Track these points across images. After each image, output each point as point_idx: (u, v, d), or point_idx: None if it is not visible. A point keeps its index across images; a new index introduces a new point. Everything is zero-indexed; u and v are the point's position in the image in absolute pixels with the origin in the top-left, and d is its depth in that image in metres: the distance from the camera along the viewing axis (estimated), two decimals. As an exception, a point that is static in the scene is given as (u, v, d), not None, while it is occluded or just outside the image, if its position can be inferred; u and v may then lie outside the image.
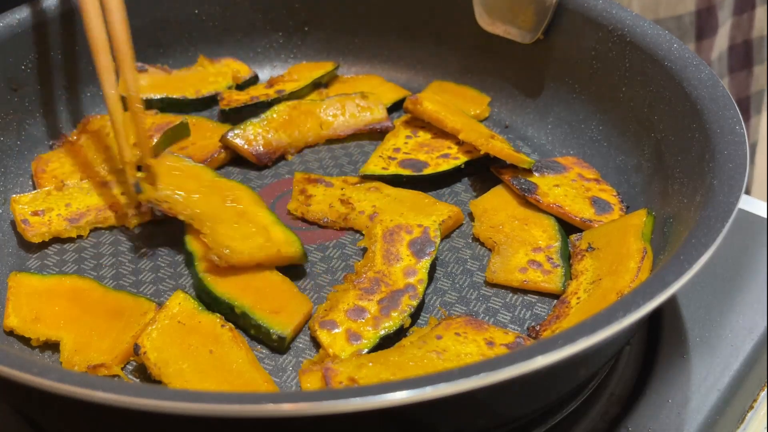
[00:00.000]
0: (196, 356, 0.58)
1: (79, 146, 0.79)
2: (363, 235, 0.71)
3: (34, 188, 0.76)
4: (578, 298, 0.62)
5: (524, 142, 0.83)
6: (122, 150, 0.70)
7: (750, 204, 0.77)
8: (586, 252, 0.66)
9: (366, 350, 0.58)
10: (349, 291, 0.63)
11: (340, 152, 0.82)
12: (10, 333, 0.62)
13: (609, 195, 0.72)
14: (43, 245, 0.71)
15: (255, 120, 0.80)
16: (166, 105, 0.85)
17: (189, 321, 0.60)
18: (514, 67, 0.85)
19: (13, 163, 0.78)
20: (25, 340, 0.62)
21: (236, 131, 0.79)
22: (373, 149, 0.81)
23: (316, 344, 0.61)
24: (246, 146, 0.79)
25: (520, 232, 0.69)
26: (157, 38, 0.90)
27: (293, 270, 0.66)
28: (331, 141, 0.83)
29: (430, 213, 0.70)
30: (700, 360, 0.63)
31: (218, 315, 0.61)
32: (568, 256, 0.67)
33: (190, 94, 0.87)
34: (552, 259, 0.66)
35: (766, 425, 0.62)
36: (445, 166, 0.77)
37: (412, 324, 0.62)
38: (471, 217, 0.73)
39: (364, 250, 0.68)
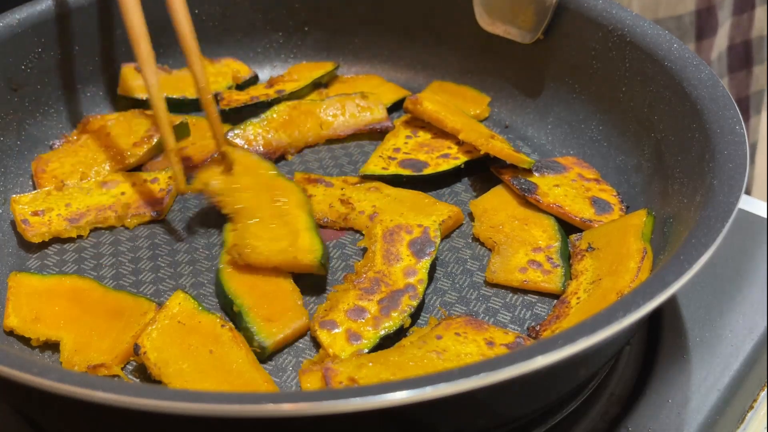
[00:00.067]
0: (196, 356, 0.58)
1: (79, 146, 0.79)
2: (363, 235, 0.71)
3: (34, 188, 0.76)
4: (578, 298, 0.62)
5: (524, 142, 0.83)
6: (166, 138, 0.70)
7: (750, 204, 0.77)
8: (586, 252, 0.66)
9: (366, 350, 0.58)
10: (349, 291, 0.63)
11: (340, 152, 0.82)
12: (10, 333, 0.62)
13: (609, 195, 0.72)
14: (43, 245, 0.71)
15: (255, 120, 0.81)
16: (166, 105, 0.85)
17: (189, 321, 0.60)
18: (514, 67, 0.85)
19: (13, 163, 0.78)
20: (25, 340, 0.62)
21: (236, 131, 0.79)
22: (373, 149, 0.81)
23: (316, 344, 0.61)
24: (246, 146, 0.79)
25: (520, 232, 0.69)
26: (157, 38, 0.89)
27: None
28: (331, 141, 0.83)
29: (430, 213, 0.70)
30: (700, 360, 0.63)
31: (218, 315, 0.61)
32: (568, 256, 0.67)
33: (190, 94, 0.87)
34: (552, 259, 0.66)
35: (766, 425, 0.62)
36: (445, 166, 0.77)
37: (412, 324, 0.62)
38: (471, 217, 0.73)
39: (364, 250, 0.68)
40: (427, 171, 0.76)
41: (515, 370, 0.42)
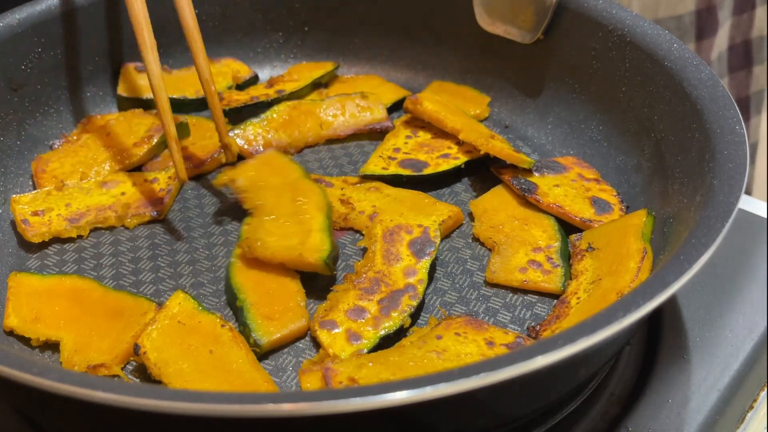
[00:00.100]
0: (196, 356, 0.58)
1: (79, 146, 0.79)
2: (363, 235, 0.71)
3: (34, 188, 0.76)
4: (578, 298, 0.62)
5: (524, 142, 0.83)
6: (167, 126, 0.70)
7: (750, 204, 0.77)
8: (586, 252, 0.66)
9: (366, 350, 0.58)
10: (349, 291, 0.63)
11: (340, 152, 0.82)
12: (10, 333, 0.62)
13: (609, 195, 0.72)
14: (43, 245, 0.71)
15: (255, 120, 0.81)
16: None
17: (189, 321, 0.60)
18: (514, 67, 0.85)
19: (13, 163, 0.78)
20: (25, 340, 0.62)
21: (236, 131, 0.79)
22: (373, 149, 0.81)
23: (316, 344, 0.61)
24: (246, 146, 0.79)
25: (520, 232, 0.69)
26: (157, 38, 0.89)
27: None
28: (331, 141, 0.83)
29: (430, 213, 0.70)
30: (700, 360, 0.63)
31: (218, 315, 0.61)
32: (568, 256, 0.67)
33: (190, 94, 0.87)
34: (552, 259, 0.66)
35: (766, 425, 0.62)
36: (445, 166, 0.77)
37: (412, 324, 0.62)
38: (471, 217, 0.73)
39: (364, 250, 0.68)
40: (427, 171, 0.76)
41: (515, 370, 0.42)
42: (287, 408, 0.41)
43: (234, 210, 0.75)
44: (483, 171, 0.77)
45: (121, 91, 0.85)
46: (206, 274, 0.68)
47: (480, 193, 0.75)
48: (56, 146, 0.80)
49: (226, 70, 0.90)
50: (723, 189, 0.55)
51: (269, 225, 0.67)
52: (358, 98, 0.84)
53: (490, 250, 0.70)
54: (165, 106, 0.70)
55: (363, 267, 0.65)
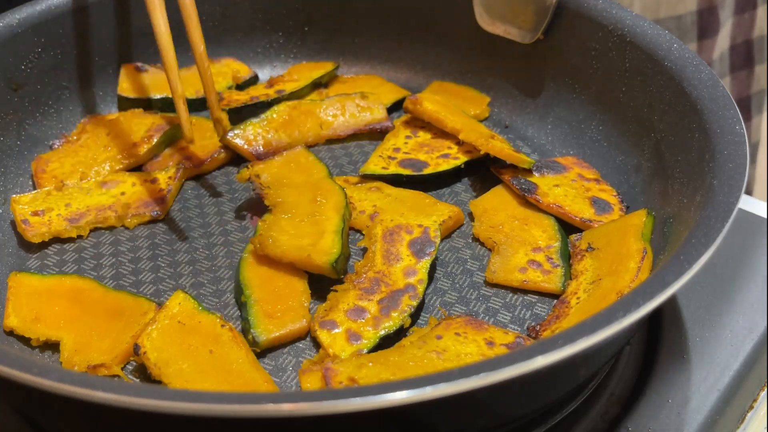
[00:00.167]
0: (196, 356, 0.58)
1: (79, 146, 0.79)
2: (363, 234, 0.71)
3: (34, 188, 0.76)
4: (578, 298, 0.62)
5: (524, 142, 0.83)
6: (174, 84, 0.71)
7: (750, 204, 0.77)
8: (586, 252, 0.66)
9: (366, 350, 0.58)
10: (349, 291, 0.63)
11: (340, 152, 0.82)
12: (10, 333, 0.62)
13: (609, 195, 0.72)
14: (43, 245, 0.71)
15: (255, 120, 0.80)
16: (166, 105, 0.85)
17: (189, 321, 0.60)
18: (514, 67, 0.85)
19: (13, 163, 0.78)
20: (25, 340, 0.62)
21: (236, 131, 0.79)
22: (373, 149, 0.81)
23: (316, 344, 0.61)
24: (246, 146, 0.79)
25: (520, 232, 0.69)
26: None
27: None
28: (331, 141, 0.83)
29: (431, 213, 0.70)
30: (700, 360, 0.63)
31: (218, 315, 0.61)
32: (568, 256, 0.67)
33: (190, 94, 0.87)
34: (552, 259, 0.66)
35: (766, 425, 0.62)
36: (445, 166, 0.77)
37: (412, 324, 0.62)
38: (471, 217, 0.73)
39: (364, 250, 0.68)
40: (427, 171, 0.76)
41: (515, 370, 0.42)
42: (287, 408, 0.41)
43: (235, 209, 0.75)
44: (483, 171, 0.77)
45: (121, 91, 0.85)
46: (206, 274, 0.68)
47: (480, 193, 0.75)
48: (56, 146, 0.80)
49: (226, 70, 0.90)
50: (723, 189, 0.55)
51: (285, 223, 0.67)
52: (358, 98, 0.84)
53: (490, 250, 0.70)
54: (172, 63, 0.71)
55: (363, 267, 0.65)
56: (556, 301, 0.64)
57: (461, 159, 0.77)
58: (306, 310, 0.62)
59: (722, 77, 1.14)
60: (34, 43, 0.79)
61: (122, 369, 0.60)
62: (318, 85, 0.89)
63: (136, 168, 0.78)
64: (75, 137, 0.80)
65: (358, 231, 0.71)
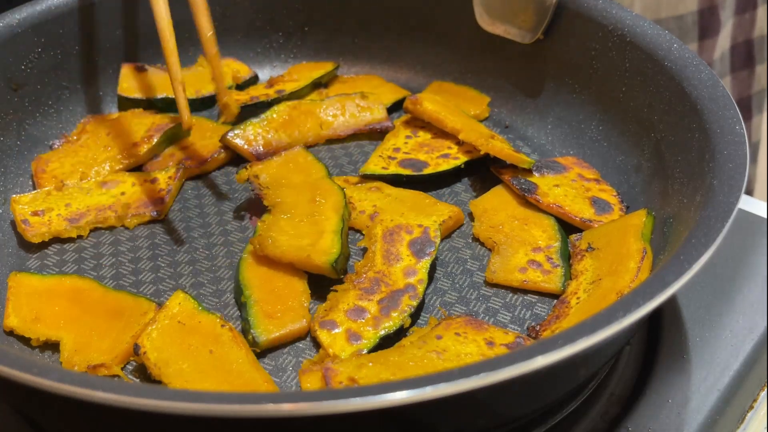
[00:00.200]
0: (196, 356, 0.58)
1: (79, 146, 0.79)
2: (363, 234, 0.71)
3: (34, 188, 0.76)
4: (578, 298, 0.62)
5: (524, 142, 0.83)
6: (173, 67, 0.71)
7: (750, 204, 0.77)
8: (586, 252, 0.66)
9: (366, 350, 0.58)
10: (349, 291, 0.63)
11: (340, 152, 0.82)
12: (10, 333, 0.62)
13: (609, 195, 0.72)
14: (43, 245, 0.71)
15: (255, 120, 0.80)
16: (166, 105, 0.85)
17: (189, 321, 0.60)
18: (514, 67, 0.85)
19: (13, 163, 0.78)
20: (25, 340, 0.62)
21: (236, 131, 0.79)
22: (373, 149, 0.81)
23: (316, 344, 0.61)
24: (246, 146, 0.79)
25: (520, 232, 0.69)
26: (157, 38, 0.89)
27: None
28: (331, 141, 0.83)
29: (431, 213, 0.70)
30: (700, 360, 0.63)
31: (218, 315, 0.61)
32: (568, 256, 0.67)
33: (190, 94, 0.87)
34: (552, 259, 0.66)
35: (766, 425, 0.62)
36: (445, 166, 0.77)
37: (412, 324, 0.62)
38: (471, 217, 0.73)
39: (364, 250, 0.68)
40: (427, 171, 0.76)
41: (515, 370, 0.42)
42: (287, 408, 0.41)
43: (234, 210, 0.75)
44: (483, 171, 0.77)
45: (121, 91, 0.85)
46: (206, 274, 0.68)
47: (480, 193, 0.75)
48: (56, 146, 0.80)
49: (226, 70, 0.90)
50: (723, 189, 0.55)
51: (284, 223, 0.67)
52: (358, 98, 0.84)
53: (490, 250, 0.70)
54: (171, 47, 0.71)
55: (363, 267, 0.65)
56: (556, 301, 0.64)
57: (461, 159, 0.77)
58: (306, 310, 0.62)
59: (723, 77, 1.14)
60: (34, 43, 0.79)
61: (122, 369, 0.60)
62: (318, 85, 0.89)
63: (136, 168, 0.78)
64: (75, 137, 0.80)
65: (358, 231, 0.71)
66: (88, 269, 0.69)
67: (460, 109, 0.82)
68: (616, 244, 0.64)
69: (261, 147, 0.80)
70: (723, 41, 1.10)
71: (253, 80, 0.91)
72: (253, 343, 0.60)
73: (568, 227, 0.70)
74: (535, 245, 0.68)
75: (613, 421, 0.59)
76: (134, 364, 0.60)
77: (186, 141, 0.81)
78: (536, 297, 0.65)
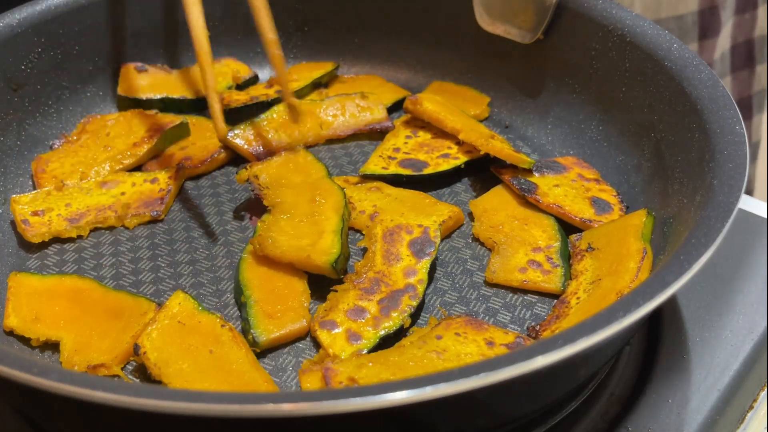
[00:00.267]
0: (196, 356, 0.58)
1: (79, 146, 0.79)
2: (363, 235, 0.71)
3: (34, 188, 0.76)
4: (578, 298, 0.62)
5: (524, 142, 0.83)
6: (206, 75, 0.72)
7: (750, 204, 0.77)
8: (585, 252, 0.66)
9: (366, 350, 0.58)
10: (349, 291, 0.63)
11: (340, 152, 0.82)
12: (10, 333, 0.62)
13: (609, 195, 0.72)
14: (43, 245, 0.71)
15: (255, 120, 0.80)
16: (166, 105, 0.85)
17: (189, 321, 0.60)
18: (514, 67, 0.85)
19: (13, 163, 0.78)
20: (25, 340, 0.62)
21: (236, 131, 0.79)
22: (373, 149, 0.81)
23: (316, 344, 0.61)
24: (246, 146, 0.79)
25: (520, 232, 0.69)
26: (157, 38, 0.90)
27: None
28: (331, 141, 0.83)
29: (431, 213, 0.70)
30: (700, 360, 0.63)
31: (218, 315, 0.61)
32: (567, 256, 0.67)
33: (190, 94, 0.87)
34: (552, 259, 0.66)
35: (766, 425, 0.62)
36: (445, 166, 0.77)
37: (412, 324, 0.62)
38: (471, 217, 0.73)
39: (364, 250, 0.68)
40: (427, 171, 0.76)
41: (515, 370, 0.42)
42: (287, 408, 0.41)
43: (234, 210, 0.75)
44: (483, 171, 0.77)
45: (121, 91, 0.85)
46: (206, 274, 0.68)
47: (480, 193, 0.75)
48: (56, 146, 0.80)
49: (226, 70, 0.90)
50: (723, 189, 0.55)
51: (284, 224, 0.67)
52: (358, 98, 0.84)
53: (490, 250, 0.70)
54: (206, 56, 0.72)
55: (363, 267, 0.65)
56: (556, 301, 0.64)
57: (461, 159, 0.77)
58: (306, 310, 0.62)
59: (723, 77, 1.14)
60: (34, 43, 0.79)
61: (122, 369, 0.60)
62: (318, 85, 0.89)
63: (136, 168, 0.78)
64: (75, 137, 0.80)
65: (358, 231, 0.71)
66: (88, 269, 0.69)
67: (460, 109, 0.82)
68: (616, 244, 0.64)
69: (261, 147, 0.80)
70: (723, 41, 1.10)
71: (253, 80, 0.91)
72: (253, 343, 0.60)
73: (568, 227, 0.70)
74: (535, 245, 0.68)
75: (613, 421, 0.59)
76: (134, 364, 0.60)
77: (186, 141, 0.81)
78: (536, 297, 0.65)
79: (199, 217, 0.74)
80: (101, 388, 0.42)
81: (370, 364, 0.54)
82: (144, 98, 0.85)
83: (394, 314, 0.61)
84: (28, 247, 0.71)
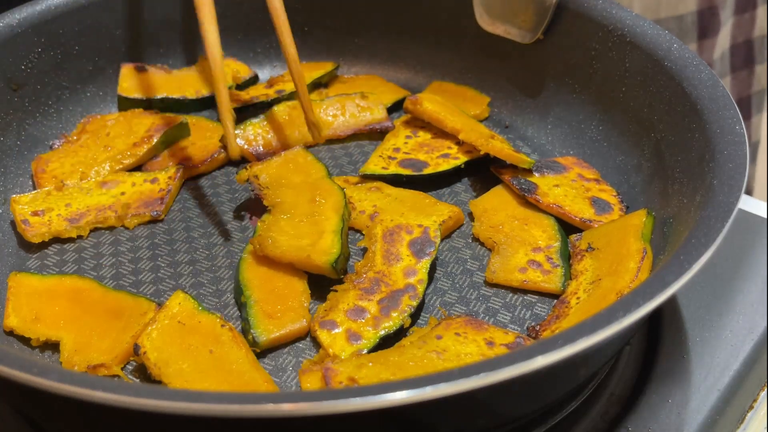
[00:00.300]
0: (196, 356, 0.58)
1: (79, 146, 0.79)
2: (363, 235, 0.71)
3: (34, 188, 0.76)
4: (578, 298, 0.62)
5: (524, 142, 0.83)
6: (220, 93, 0.72)
7: (750, 204, 0.77)
8: (585, 252, 0.66)
9: (366, 350, 0.58)
10: (349, 291, 0.63)
11: (340, 152, 0.82)
12: (10, 333, 0.62)
13: (609, 195, 0.72)
14: (43, 245, 0.71)
15: (255, 120, 0.81)
16: (166, 105, 0.85)
17: (189, 321, 0.60)
18: (514, 67, 0.85)
19: (13, 163, 0.78)
20: (25, 340, 0.62)
21: (236, 131, 0.79)
22: (373, 149, 0.81)
23: (316, 344, 0.61)
24: (246, 146, 0.79)
25: (520, 232, 0.69)
26: (157, 38, 0.90)
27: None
28: (331, 141, 0.83)
29: (431, 213, 0.70)
30: (700, 360, 0.63)
31: (218, 315, 0.61)
32: (567, 256, 0.67)
33: (190, 94, 0.87)
34: (552, 259, 0.66)
35: (766, 425, 0.62)
36: (445, 166, 0.77)
37: (412, 324, 0.62)
38: (471, 217, 0.73)
39: (364, 250, 0.68)
40: (427, 171, 0.76)
41: (515, 370, 0.42)
42: (287, 408, 0.41)
43: (234, 210, 0.75)
44: (483, 171, 0.77)
45: (121, 91, 0.85)
46: (206, 274, 0.68)
47: (480, 193, 0.75)
48: (56, 146, 0.80)
49: (226, 70, 0.90)
50: (723, 189, 0.55)
51: (284, 224, 0.67)
52: (358, 98, 0.84)
53: (490, 250, 0.70)
54: (221, 76, 0.72)
55: (363, 267, 0.65)
56: (556, 301, 0.64)
57: (461, 159, 0.77)
58: (306, 310, 0.62)
59: (723, 77, 1.14)
60: (34, 43, 0.79)
61: (122, 369, 0.60)
62: (318, 85, 0.89)
63: (136, 168, 0.78)
64: (75, 137, 0.80)
65: (358, 231, 0.71)
66: (88, 269, 0.69)
67: (460, 109, 0.82)
68: (616, 244, 0.64)
69: (261, 147, 0.80)
70: (723, 41, 1.10)
71: (253, 80, 0.91)
72: (253, 343, 0.60)
73: (568, 227, 0.70)
74: (535, 245, 0.68)
75: (613, 421, 0.59)
76: (134, 364, 0.60)
77: (186, 141, 0.81)
78: (536, 297, 0.65)
79: (199, 217, 0.74)
80: (101, 388, 0.42)
81: (370, 364, 0.54)
82: (144, 98, 0.85)
83: (394, 314, 0.61)
84: (28, 247, 0.71)
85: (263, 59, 0.94)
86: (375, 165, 0.77)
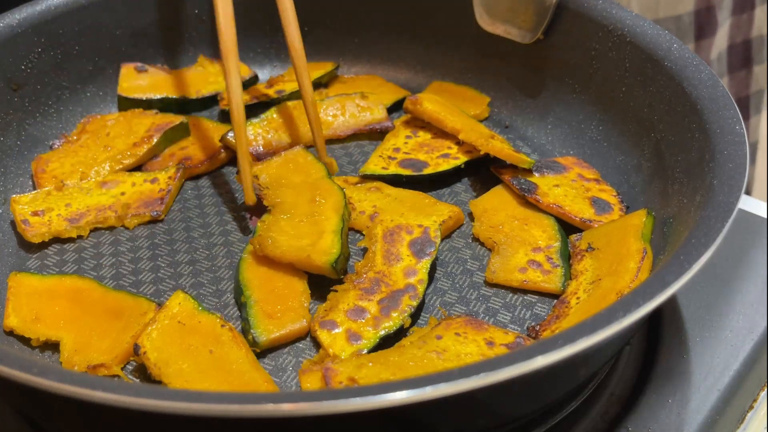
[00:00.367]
0: (196, 356, 0.58)
1: (79, 146, 0.79)
2: (363, 235, 0.71)
3: (34, 188, 0.76)
4: (578, 298, 0.62)
5: (524, 142, 0.83)
6: (241, 141, 0.72)
7: (750, 204, 0.77)
8: (585, 252, 0.66)
9: (366, 350, 0.58)
10: (349, 291, 0.63)
11: (340, 152, 0.82)
12: (10, 333, 0.62)
13: (609, 195, 0.72)
14: (43, 245, 0.71)
15: (255, 120, 0.81)
16: (166, 105, 0.85)
17: (189, 321, 0.60)
18: (514, 67, 0.85)
19: (13, 163, 0.78)
20: (25, 340, 0.62)
21: (236, 131, 0.79)
22: (373, 149, 0.81)
23: (316, 344, 0.61)
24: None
25: (520, 232, 0.69)
26: (157, 38, 0.90)
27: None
28: (331, 141, 0.83)
29: (431, 213, 0.70)
30: (700, 360, 0.63)
31: (218, 315, 0.61)
32: (567, 256, 0.67)
33: (190, 94, 0.87)
34: (552, 259, 0.66)
35: (766, 425, 0.62)
36: (445, 166, 0.77)
37: (412, 324, 0.62)
38: (471, 217, 0.73)
39: (365, 250, 0.68)
40: (427, 171, 0.76)
41: (515, 370, 0.42)
42: (287, 408, 0.41)
43: (234, 210, 0.75)
44: (483, 171, 0.77)
45: (121, 91, 0.85)
46: (206, 274, 0.68)
47: (480, 193, 0.75)
48: (56, 146, 0.80)
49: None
50: (723, 189, 0.55)
51: (284, 224, 0.67)
52: (358, 98, 0.84)
53: (490, 250, 0.70)
54: (241, 122, 0.72)
55: (363, 267, 0.65)
56: (556, 301, 0.64)
57: (461, 159, 0.77)
58: (306, 310, 0.62)
59: (721, 77, 1.14)
60: (34, 43, 0.79)
61: (122, 369, 0.60)
62: (318, 85, 0.89)
63: (136, 168, 0.78)
64: (75, 137, 0.80)
65: (358, 231, 0.71)
66: (88, 269, 0.69)
67: (460, 109, 0.82)
68: (616, 244, 0.64)
69: (261, 147, 0.80)
70: (720, 41, 1.10)
71: (253, 80, 0.91)
72: (253, 343, 0.60)
73: (568, 227, 0.70)
74: (535, 245, 0.68)
75: (613, 421, 0.59)
76: (134, 364, 0.60)
77: (186, 141, 0.81)
78: (536, 297, 0.65)
79: (199, 217, 0.74)
80: (101, 388, 0.42)
81: (370, 364, 0.54)
82: (144, 98, 0.85)
83: (394, 314, 0.61)
84: (28, 247, 0.71)
85: (263, 59, 0.94)
86: (375, 165, 0.77)
